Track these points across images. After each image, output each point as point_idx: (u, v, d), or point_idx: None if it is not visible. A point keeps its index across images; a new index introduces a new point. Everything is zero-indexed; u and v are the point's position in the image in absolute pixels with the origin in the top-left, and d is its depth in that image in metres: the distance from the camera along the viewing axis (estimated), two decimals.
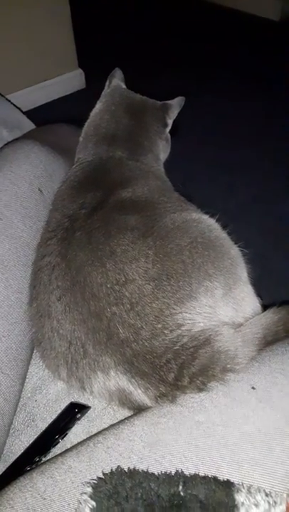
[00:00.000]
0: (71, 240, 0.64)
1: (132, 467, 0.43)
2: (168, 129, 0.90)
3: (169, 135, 0.91)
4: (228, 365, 0.53)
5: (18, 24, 2.01)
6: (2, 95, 1.30)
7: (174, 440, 0.48)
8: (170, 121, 0.90)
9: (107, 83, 0.93)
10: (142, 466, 0.44)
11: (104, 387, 0.58)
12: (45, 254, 0.66)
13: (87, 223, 0.65)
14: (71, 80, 2.32)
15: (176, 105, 0.89)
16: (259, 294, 0.73)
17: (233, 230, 0.71)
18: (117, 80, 0.93)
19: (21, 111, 1.32)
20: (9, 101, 1.29)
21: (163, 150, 0.89)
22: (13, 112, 1.22)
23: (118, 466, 0.43)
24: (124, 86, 0.94)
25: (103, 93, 0.93)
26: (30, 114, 1.63)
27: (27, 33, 2.07)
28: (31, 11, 2.02)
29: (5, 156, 0.78)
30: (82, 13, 2.45)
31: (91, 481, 0.42)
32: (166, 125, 0.90)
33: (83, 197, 0.70)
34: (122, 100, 0.88)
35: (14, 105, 1.27)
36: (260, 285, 0.75)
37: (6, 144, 0.86)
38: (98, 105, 0.90)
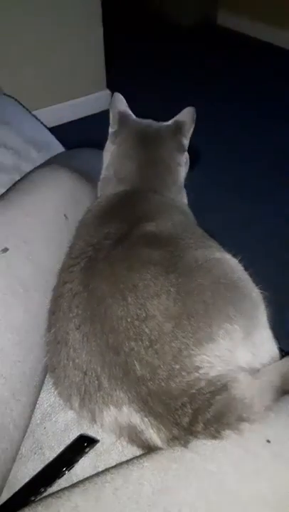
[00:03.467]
0: (94, 270, 0.64)
1: None
2: (186, 151, 0.88)
3: (187, 155, 0.89)
4: (244, 414, 0.52)
5: (51, 41, 2.09)
6: (33, 115, 1.33)
7: (184, 488, 0.47)
8: (186, 142, 0.87)
9: (111, 115, 0.89)
10: None
11: (116, 422, 0.57)
12: (66, 280, 0.67)
13: (110, 254, 0.65)
14: (98, 100, 2.37)
15: (188, 121, 0.86)
16: (276, 336, 0.72)
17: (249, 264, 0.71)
18: (121, 112, 0.88)
19: (49, 129, 1.35)
20: (39, 120, 1.32)
21: (184, 174, 0.88)
22: (42, 132, 1.24)
23: None
24: (130, 112, 0.90)
25: (112, 130, 0.89)
26: (55, 130, 1.66)
27: (60, 51, 2.14)
28: (65, 30, 2.10)
29: (34, 179, 0.80)
30: (113, 34, 2.51)
31: None
32: (183, 148, 0.87)
33: (108, 227, 0.70)
34: (135, 137, 0.86)
35: (44, 125, 1.30)
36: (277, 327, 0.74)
37: (36, 167, 0.87)
38: (113, 148, 0.88)
